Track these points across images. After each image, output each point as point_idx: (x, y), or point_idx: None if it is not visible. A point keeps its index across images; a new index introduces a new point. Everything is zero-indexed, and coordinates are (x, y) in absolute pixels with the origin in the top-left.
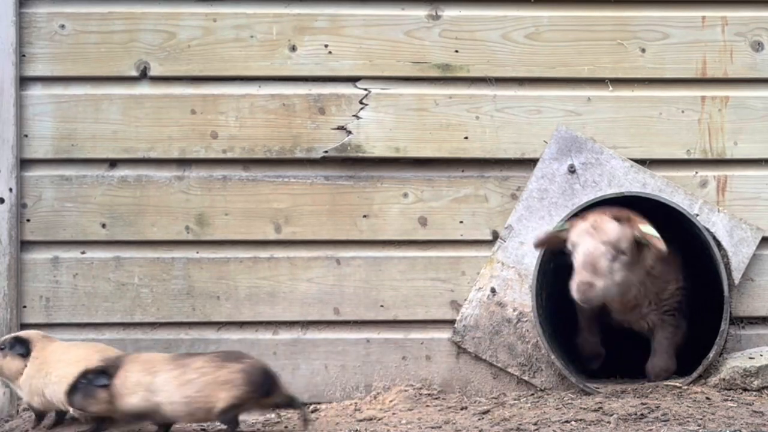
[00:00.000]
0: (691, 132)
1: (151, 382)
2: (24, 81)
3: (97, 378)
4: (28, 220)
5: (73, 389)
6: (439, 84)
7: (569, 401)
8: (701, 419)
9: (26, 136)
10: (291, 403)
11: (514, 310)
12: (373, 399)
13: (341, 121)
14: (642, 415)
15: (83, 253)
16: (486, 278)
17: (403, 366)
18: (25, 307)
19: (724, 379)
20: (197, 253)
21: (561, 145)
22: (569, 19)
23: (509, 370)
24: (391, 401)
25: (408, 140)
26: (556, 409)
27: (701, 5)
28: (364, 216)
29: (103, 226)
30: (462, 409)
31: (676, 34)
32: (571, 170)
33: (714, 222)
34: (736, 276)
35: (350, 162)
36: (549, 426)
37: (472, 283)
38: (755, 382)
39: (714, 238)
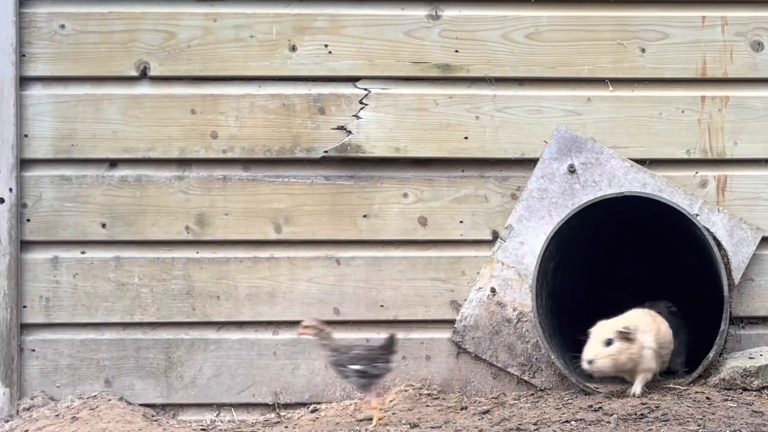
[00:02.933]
0: (691, 132)
1: None
2: (24, 81)
3: None
4: (28, 220)
5: None
6: (439, 84)
7: (569, 401)
8: (701, 419)
9: (26, 136)
10: None
11: (514, 310)
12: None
13: (341, 121)
14: (642, 415)
15: (83, 253)
16: (486, 278)
17: (403, 366)
18: (25, 306)
19: (724, 379)
20: (197, 253)
21: (561, 145)
22: (569, 19)
23: (509, 370)
24: (391, 401)
25: (408, 140)
26: (556, 409)
27: (701, 5)
28: (364, 216)
29: (103, 226)
30: (462, 409)
31: (676, 34)
32: (571, 170)
33: (714, 222)
34: (736, 276)
35: (350, 162)
36: (549, 426)
37: (472, 283)
38: (755, 382)
39: (714, 238)
